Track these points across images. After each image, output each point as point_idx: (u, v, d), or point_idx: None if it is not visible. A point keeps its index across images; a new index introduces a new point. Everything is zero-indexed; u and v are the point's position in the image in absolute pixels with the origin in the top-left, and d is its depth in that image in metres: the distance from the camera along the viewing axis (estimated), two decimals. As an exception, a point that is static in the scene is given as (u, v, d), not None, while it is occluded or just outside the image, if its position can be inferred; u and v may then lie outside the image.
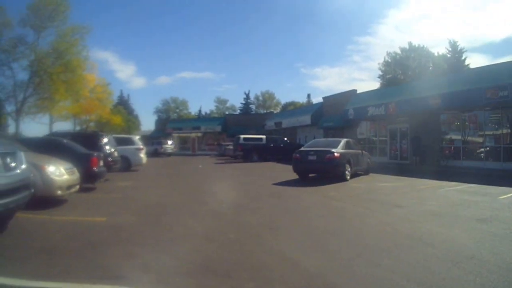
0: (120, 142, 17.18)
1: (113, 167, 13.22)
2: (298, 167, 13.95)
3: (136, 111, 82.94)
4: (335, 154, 13.05)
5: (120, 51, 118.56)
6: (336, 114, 28.65)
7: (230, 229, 6.10)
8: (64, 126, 69.27)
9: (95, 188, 10.49)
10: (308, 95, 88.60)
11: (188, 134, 53.44)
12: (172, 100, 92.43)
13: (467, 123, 19.37)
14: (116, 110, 59.03)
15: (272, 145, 27.96)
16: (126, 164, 16.69)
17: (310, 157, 13.51)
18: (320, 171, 13.78)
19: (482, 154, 17.99)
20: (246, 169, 20.41)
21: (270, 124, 42.87)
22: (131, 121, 66.36)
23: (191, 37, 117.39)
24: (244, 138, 27.99)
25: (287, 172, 15.34)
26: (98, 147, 12.41)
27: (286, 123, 38.52)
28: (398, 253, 4.77)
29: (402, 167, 18.94)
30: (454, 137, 20.26)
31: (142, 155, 18.02)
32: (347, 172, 13.45)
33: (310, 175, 14.22)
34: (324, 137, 30.31)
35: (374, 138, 26.54)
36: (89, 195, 9.49)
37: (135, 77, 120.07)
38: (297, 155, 13.86)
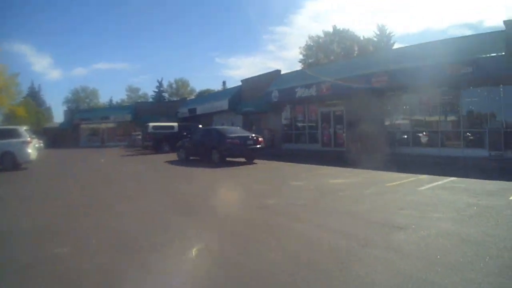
0: (3, 134, 14.73)
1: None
2: (237, 151, 15.06)
3: (49, 104, 74.54)
4: (260, 139, 15.82)
5: (37, 44, 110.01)
6: (257, 97, 25.00)
7: None
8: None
9: None
10: (224, 82, 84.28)
11: (98, 125, 47.96)
12: (82, 90, 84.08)
13: (418, 104, 16.79)
14: (24, 102, 52.93)
15: (185, 133, 23.96)
16: (11, 161, 14.34)
17: (249, 142, 15.26)
18: (251, 155, 15.65)
19: (437, 140, 15.56)
20: (152, 163, 17.03)
21: (183, 111, 37.91)
22: (40, 113, 58.19)
23: (107, 27, 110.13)
24: (153, 127, 24.87)
25: (199, 164, 14.32)
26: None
27: (201, 109, 34.03)
28: None
29: (341, 156, 16.07)
30: (402, 121, 17.64)
31: (31, 149, 15.05)
32: None
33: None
34: (243, 123, 26.86)
35: (300, 124, 23.30)
36: None
37: (51, 69, 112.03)
38: (237, 140, 14.98)
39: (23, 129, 15.63)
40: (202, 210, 6.49)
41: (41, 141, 34.79)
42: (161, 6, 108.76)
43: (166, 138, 24.02)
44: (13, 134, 14.85)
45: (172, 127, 25.32)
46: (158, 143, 24.03)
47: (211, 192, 8.43)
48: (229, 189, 8.80)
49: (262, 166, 14.00)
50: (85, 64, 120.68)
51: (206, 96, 38.51)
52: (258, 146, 15.34)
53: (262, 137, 16.50)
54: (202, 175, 12.00)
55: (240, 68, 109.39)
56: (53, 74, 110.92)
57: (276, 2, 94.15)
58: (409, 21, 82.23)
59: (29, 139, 14.97)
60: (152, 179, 11.38)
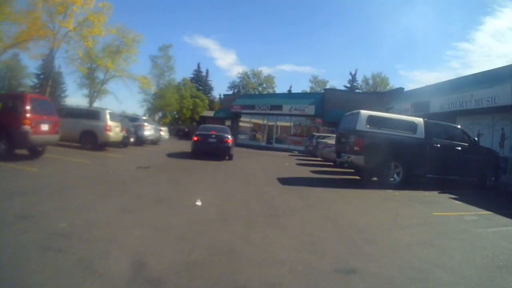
0: None
1: None
2: (199, 148, 16.50)
3: (220, 93, 71.81)
4: (229, 138, 16.98)
5: (222, 40, 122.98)
6: None
7: None
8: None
9: None
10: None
11: (265, 118, 38.80)
12: (254, 74, 74.08)
13: None
14: (176, 85, 52.99)
15: (438, 145, 12.14)
16: None
17: (211, 140, 16.30)
18: (216, 153, 16.56)
19: None
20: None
21: (402, 106, 24.67)
22: (198, 98, 55.10)
23: (295, 31, 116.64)
24: (370, 119, 11.87)
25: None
26: None
27: (440, 103, 20.18)
28: None
29: None
30: None
31: None
32: None
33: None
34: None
35: None
36: None
37: (235, 66, 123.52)
38: (199, 137, 16.35)
39: None
40: None
41: (161, 129, 27.64)
42: (350, 19, 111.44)
43: (397, 151, 11.58)
44: None
45: (412, 125, 12.25)
46: (379, 160, 11.52)
47: None
48: None
49: None
50: (270, 64, 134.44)
51: (449, 81, 23.17)
52: (223, 145, 16.14)
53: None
54: None
55: (423, 84, 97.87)
56: (237, 71, 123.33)
57: (457, 16, 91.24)
58: None
59: None
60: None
